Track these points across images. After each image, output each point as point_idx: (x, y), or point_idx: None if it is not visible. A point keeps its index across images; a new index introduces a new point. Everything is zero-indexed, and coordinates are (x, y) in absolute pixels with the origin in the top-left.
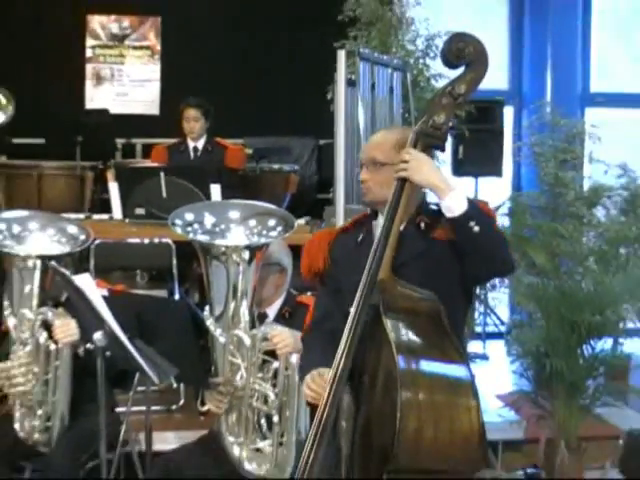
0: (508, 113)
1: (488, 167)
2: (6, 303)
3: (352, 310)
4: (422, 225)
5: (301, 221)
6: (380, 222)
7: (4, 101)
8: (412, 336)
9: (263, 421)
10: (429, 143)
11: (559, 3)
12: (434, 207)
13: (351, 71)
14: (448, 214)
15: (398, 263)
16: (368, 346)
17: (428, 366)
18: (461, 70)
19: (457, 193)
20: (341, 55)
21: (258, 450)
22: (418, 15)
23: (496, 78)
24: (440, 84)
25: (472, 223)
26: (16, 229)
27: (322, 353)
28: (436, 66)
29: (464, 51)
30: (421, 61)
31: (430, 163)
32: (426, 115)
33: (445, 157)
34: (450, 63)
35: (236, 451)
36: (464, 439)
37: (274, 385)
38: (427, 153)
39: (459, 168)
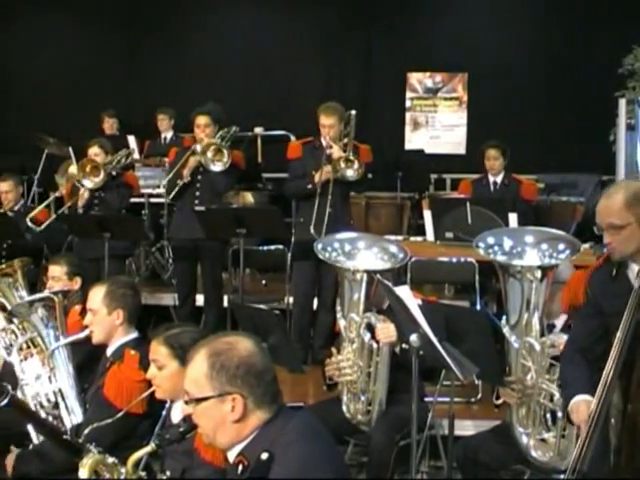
0: None
1: None
2: (338, 308)
3: (620, 327)
4: None
5: (586, 246)
6: (632, 267)
7: (225, 158)
8: None
9: (548, 416)
10: None
11: None
12: None
13: (630, 117)
14: None
15: None
16: (636, 356)
17: None
18: None
19: None
20: (622, 103)
21: (543, 440)
22: None
23: None
24: None
25: None
26: (347, 247)
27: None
28: None
29: None
30: None
31: None
32: None
33: None
34: None
35: (524, 440)
36: None
37: (559, 386)
38: None
39: None
